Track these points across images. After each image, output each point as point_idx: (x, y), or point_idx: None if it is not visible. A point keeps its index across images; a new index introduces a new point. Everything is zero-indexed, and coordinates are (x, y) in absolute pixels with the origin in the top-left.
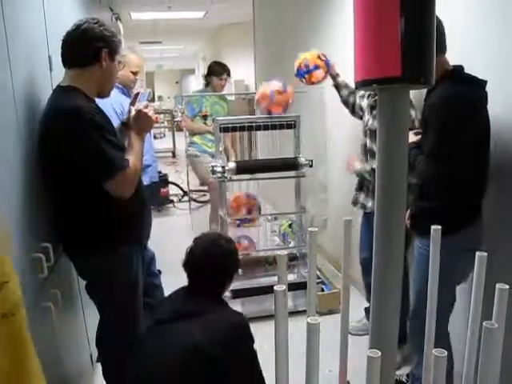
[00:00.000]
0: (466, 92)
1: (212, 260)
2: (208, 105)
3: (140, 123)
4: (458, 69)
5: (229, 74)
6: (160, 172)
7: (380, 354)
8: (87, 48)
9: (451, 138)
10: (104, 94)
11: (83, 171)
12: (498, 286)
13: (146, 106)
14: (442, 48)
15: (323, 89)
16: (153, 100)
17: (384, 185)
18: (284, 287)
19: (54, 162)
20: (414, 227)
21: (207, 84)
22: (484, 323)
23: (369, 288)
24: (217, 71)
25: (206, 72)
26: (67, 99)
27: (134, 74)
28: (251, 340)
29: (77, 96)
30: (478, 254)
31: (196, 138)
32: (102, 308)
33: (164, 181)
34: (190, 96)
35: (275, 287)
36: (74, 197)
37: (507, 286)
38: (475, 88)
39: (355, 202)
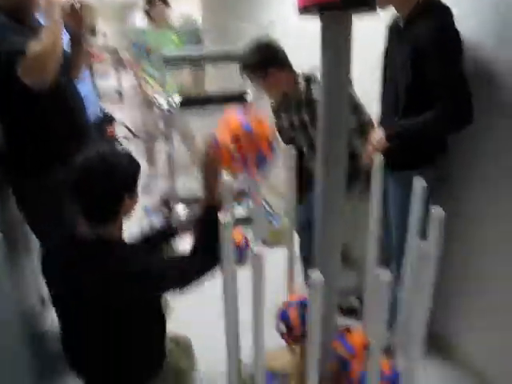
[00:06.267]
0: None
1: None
2: (151, 39)
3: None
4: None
5: (164, 1)
6: (106, 113)
7: (323, 278)
8: None
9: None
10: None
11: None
12: (433, 209)
13: None
14: None
15: None
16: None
17: (324, 119)
18: (229, 218)
19: None
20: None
21: (149, 18)
22: (420, 244)
23: (305, 261)
24: None
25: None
26: None
27: None
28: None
29: None
30: (416, 180)
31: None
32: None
33: (109, 120)
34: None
35: (221, 219)
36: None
37: (441, 210)
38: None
39: None
